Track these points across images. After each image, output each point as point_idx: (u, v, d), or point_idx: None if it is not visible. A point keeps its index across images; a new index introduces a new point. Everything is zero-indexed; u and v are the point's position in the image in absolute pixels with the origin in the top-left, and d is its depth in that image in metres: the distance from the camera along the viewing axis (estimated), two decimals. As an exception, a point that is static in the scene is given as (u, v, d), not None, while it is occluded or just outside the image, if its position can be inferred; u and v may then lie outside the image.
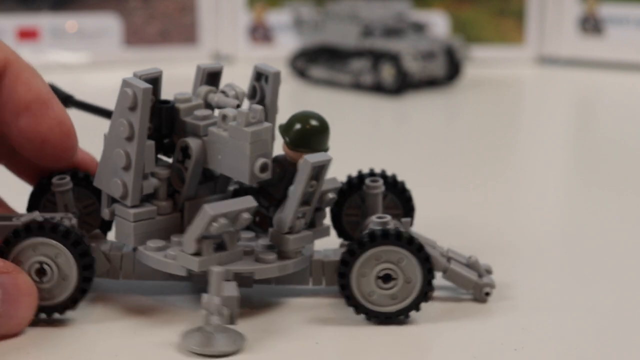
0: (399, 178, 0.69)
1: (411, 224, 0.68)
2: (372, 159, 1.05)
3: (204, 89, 0.64)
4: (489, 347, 0.58)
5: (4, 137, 0.64)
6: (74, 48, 1.51)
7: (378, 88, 1.35)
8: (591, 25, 1.55)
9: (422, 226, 0.80)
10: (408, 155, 1.09)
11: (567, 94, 1.46)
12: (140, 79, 0.61)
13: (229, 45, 1.57)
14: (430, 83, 1.39)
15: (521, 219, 0.84)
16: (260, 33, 1.58)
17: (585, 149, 1.14)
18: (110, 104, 0.64)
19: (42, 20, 1.50)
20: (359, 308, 0.61)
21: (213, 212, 0.58)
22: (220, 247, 0.60)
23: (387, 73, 1.34)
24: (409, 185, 0.69)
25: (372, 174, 0.69)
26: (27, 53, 1.48)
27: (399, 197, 0.69)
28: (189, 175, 0.63)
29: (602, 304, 0.65)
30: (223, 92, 0.64)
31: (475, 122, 1.26)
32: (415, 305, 0.61)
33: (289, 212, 0.60)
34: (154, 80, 0.63)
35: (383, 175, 0.69)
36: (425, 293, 0.61)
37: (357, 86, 1.36)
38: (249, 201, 0.60)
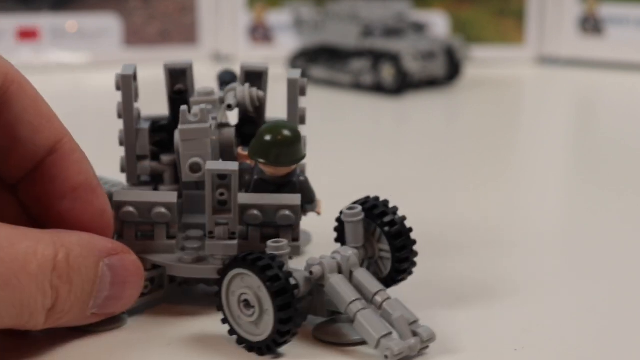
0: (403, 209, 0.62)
1: (398, 262, 0.61)
2: (372, 159, 1.05)
3: (231, 86, 0.65)
4: (489, 347, 0.58)
5: (30, 212, 0.61)
6: (74, 48, 1.51)
7: (378, 88, 1.35)
8: (591, 25, 1.55)
9: (422, 226, 0.80)
10: (408, 155, 1.09)
11: (567, 94, 1.46)
12: (166, 68, 0.66)
13: (229, 45, 1.57)
14: (430, 83, 1.39)
15: (521, 218, 0.84)
16: (260, 33, 1.58)
17: (585, 149, 1.14)
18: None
19: (42, 20, 1.50)
20: (231, 329, 0.57)
21: (118, 198, 0.60)
22: (149, 236, 0.62)
23: (387, 73, 1.34)
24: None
25: (365, 200, 0.61)
26: (27, 53, 1.48)
27: (384, 230, 0.60)
28: (179, 164, 0.64)
29: (602, 304, 0.65)
30: (234, 91, 0.65)
31: (475, 122, 1.26)
32: (272, 342, 0.55)
33: (206, 217, 0.60)
34: (182, 72, 0.66)
35: (374, 204, 0.61)
36: (279, 332, 0.55)
37: (357, 86, 1.36)
38: (168, 196, 0.60)
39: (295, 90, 0.65)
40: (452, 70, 1.40)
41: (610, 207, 0.87)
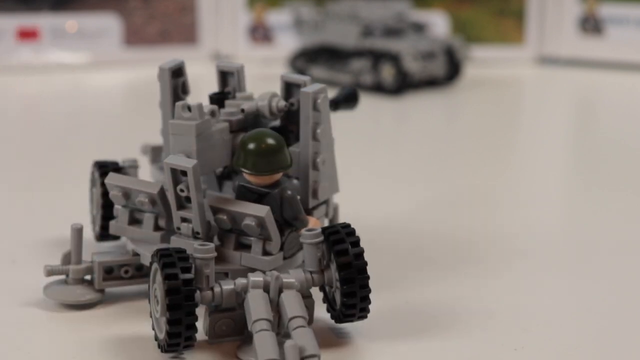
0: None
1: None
2: (372, 158, 1.05)
3: (264, 92, 0.65)
4: (489, 347, 0.58)
5: None
6: (74, 48, 1.51)
7: (378, 88, 1.35)
8: (591, 25, 1.55)
9: (421, 225, 0.80)
10: (408, 155, 1.09)
11: (567, 94, 1.46)
12: (218, 69, 0.67)
13: (229, 45, 1.57)
14: (430, 83, 1.39)
15: (521, 218, 0.84)
16: (260, 33, 1.58)
17: (585, 149, 1.14)
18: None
19: (42, 20, 1.50)
20: (152, 324, 0.57)
21: (107, 181, 0.62)
22: (137, 222, 0.63)
23: (387, 73, 1.34)
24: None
25: (333, 225, 0.58)
26: (27, 53, 1.48)
27: (335, 259, 0.57)
28: None
29: (602, 304, 0.65)
30: (254, 98, 0.65)
31: (475, 122, 1.26)
32: (165, 341, 0.54)
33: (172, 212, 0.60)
34: (231, 73, 0.67)
35: (335, 230, 0.57)
36: (168, 332, 0.54)
37: (357, 86, 1.35)
38: (152, 186, 0.61)
39: (308, 104, 0.62)
40: (452, 70, 1.40)
41: (611, 207, 0.87)
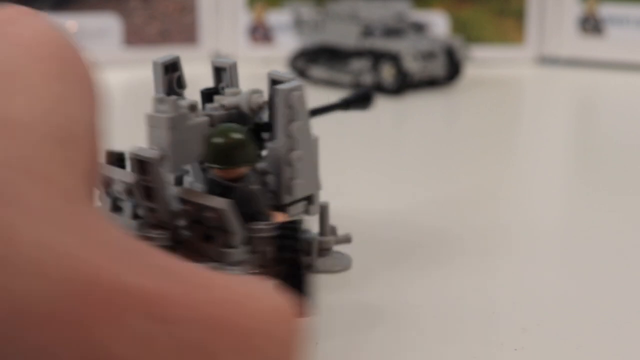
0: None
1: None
2: (372, 158, 1.05)
3: (249, 89, 0.65)
4: (489, 347, 0.58)
5: None
6: (74, 48, 1.51)
7: (378, 88, 1.35)
8: (591, 25, 1.55)
9: (422, 226, 0.80)
10: (408, 155, 1.09)
11: (567, 94, 1.46)
12: (213, 65, 0.67)
13: (229, 45, 1.57)
14: (430, 83, 1.39)
15: (521, 218, 0.84)
16: (260, 33, 1.58)
17: (585, 149, 1.14)
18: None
19: (42, 20, 1.50)
20: None
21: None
22: (119, 209, 0.64)
23: (387, 73, 1.34)
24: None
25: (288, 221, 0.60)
26: (27, 53, 1.48)
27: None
28: None
29: (602, 304, 0.65)
30: (239, 92, 0.65)
31: (475, 122, 1.26)
32: None
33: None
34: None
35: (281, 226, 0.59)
36: None
37: (357, 86, 1.36)
38: (126, 175, 0.61)
39: (282, 101, 0.63)
40: (452, 70, 1.40)
41: (611, 207, 0.87)
